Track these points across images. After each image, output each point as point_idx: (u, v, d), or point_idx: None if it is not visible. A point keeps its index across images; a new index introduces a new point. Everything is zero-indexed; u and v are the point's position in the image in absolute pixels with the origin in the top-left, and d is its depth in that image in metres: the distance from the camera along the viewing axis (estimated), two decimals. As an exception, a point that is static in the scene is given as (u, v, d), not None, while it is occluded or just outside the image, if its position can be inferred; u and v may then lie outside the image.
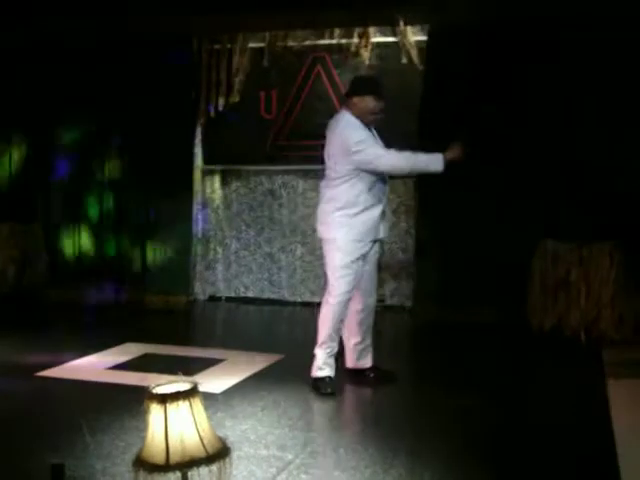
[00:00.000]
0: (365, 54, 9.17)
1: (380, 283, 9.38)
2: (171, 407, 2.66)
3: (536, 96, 8.26)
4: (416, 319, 8.82)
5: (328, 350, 6.08)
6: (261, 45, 9.51)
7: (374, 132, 6.20)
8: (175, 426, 2.65)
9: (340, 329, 6.15)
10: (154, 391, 2.75)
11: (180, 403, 2.67)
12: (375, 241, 6.21)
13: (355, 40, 9.28)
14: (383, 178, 6.20)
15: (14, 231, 9.87)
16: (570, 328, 7.81)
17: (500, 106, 8.36)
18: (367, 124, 6.09)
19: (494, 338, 7.93)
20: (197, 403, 2.74)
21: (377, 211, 6.13)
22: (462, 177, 8.42)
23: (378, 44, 9.25)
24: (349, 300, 6.10)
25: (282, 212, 9.71)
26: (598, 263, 7.81)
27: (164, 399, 2.69)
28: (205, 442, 2.68)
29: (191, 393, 2.74)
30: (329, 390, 5.98)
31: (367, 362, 6.39)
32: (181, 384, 2.80)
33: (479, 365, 7.00)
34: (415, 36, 8.99)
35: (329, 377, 6.08)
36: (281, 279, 9.77)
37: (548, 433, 5.17)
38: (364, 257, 6.10)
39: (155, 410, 2.70)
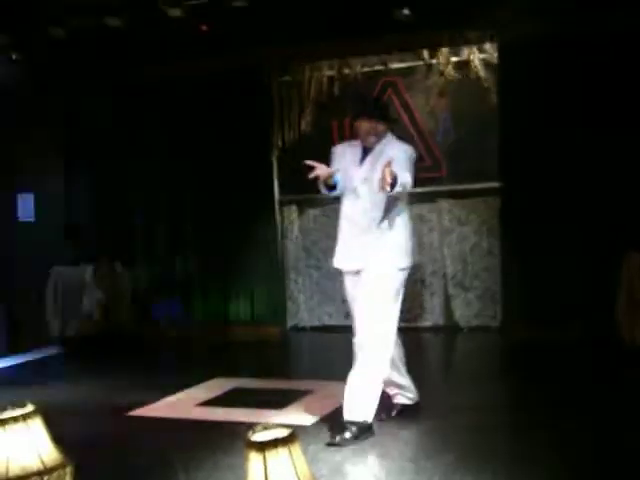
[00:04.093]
0: (445, 73, 9.14)
1: (463, 304, 9.37)
2: (270, 455, 2.64)
3: (615, 109, 8.19)
4: (505, 339, 8.72)
5: None
6: (331, 74, 9.55)
7: (372, 154, 5.73)
8: (275, 474, 2.63)
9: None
10: (252, 438, 2.73)
11: (279, 450, 2.65)
12: (355, 272, 5.71)
13: (423, 62, 9.30)
14: (354, 196, 5.71)
15: (97, 272, 10.00)
16: (661, 341, 7.65)
17: (578, 120, 8.31)
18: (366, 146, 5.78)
19: (585, 355, 7.82)
20: (296, 450, 2.70)
21: (347, 235, 5.77)
22: (546, 193, 8.40)
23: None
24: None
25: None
26: (686, 274, 7.65)
27: (263, 447, 2.67)
28: (307, 490, 2.66)
29: (290, 440, 2.71)
30: None
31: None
32: (279, 430, 2.78)
33: (573, 384, 6.89)
34: (485, 53, 8.97)
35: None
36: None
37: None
38: (349, 285, 5.82)
39: (254, 458, 2.67)
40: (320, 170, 5.59)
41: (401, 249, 5.70)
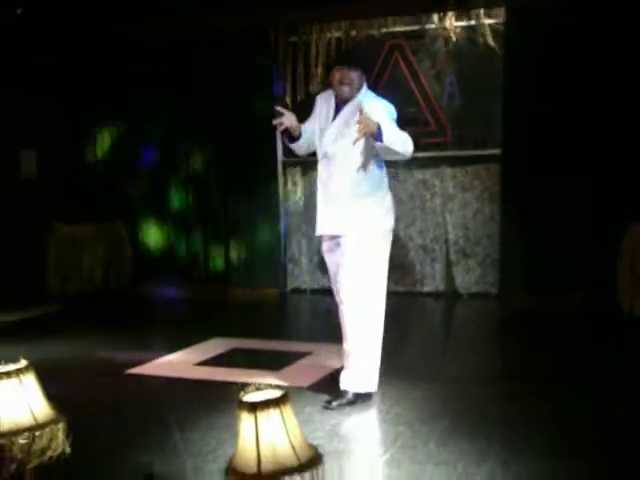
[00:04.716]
0: (452, 37, 9.05)
1: (464, 271, 9.37)
2: (262, 415, 2.63)
3: (621, 78, 8.14)
4: (503, 307, 8.72)
5: None
6: (338, 35, 9.46)
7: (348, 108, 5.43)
8: (266, 435, 2.62)
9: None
10: (244, 399, 2.73)
11: (271, 411, 2.64)
12: (331, 237, 5.56)
13: (433, 25, 9.20)
14: (326, 159, 5.51)
15: (98, 230, 10.01)
16: (661, 312, 7.65)
17: (583, 89, 8.27)
18: (341, 98, 5.47)
19: (584, 324, 7.86)
20: (288, 410, 2.70)
21: (320, 198, 5.56)
22: (547, 161, 8.37)
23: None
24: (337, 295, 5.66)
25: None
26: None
27: (254, 407, 2.66)
28: (297, 450, 2.64)
29: (282, 400, 2.70)
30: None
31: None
32: (271, 391, 2.77)
33: (570, 353, 6.90)
34: (492, 18, 8.88)
35: None
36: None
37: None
38: (325, 249, 5.69)
39: (246, 418, 2.67)
40: (287, 119, 5.46)
41: (379, 211, 5.46)
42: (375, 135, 5.05)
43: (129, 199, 10.29)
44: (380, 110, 5.28)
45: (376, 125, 5.03)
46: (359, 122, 5.00)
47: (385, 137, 5.06)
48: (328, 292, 5.64)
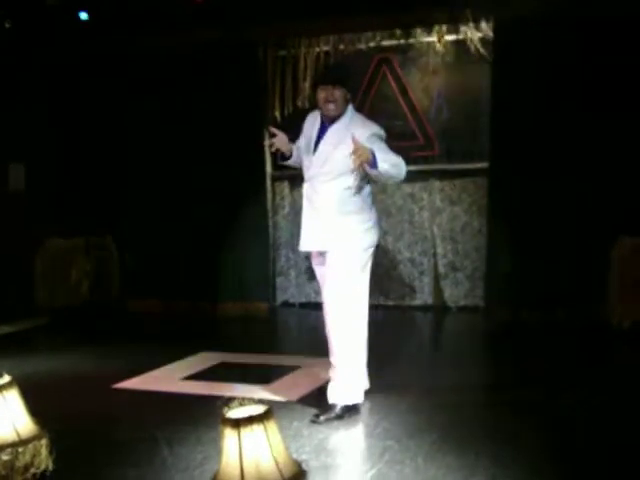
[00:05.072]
0: (439, 51, 9.09)
1: (453, 284, 9.38)
2: (245, 431, 2.62)
3: (609, 91, 8.16)
4: (491, 320, 8.71)
5: None
6: (326, 49, 9.48)
7: (334, 127, 5.46)
8: (250, 451, 2.61)
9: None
10: (227, 415, 2.71)
11: (254, 427, 2.63)
12: (319, 253, 5.61)
13: (421, 39, 9.23)
14: (312, 177, 5.50)
15: (87, 244, 9.98)
16: (651, 325, 7.67)
17: (571, 102, 8.28)
18: (327, 117, 5.50)
19: (572, 336, 7.85)
20: (272, 426, 2.69)
21: (305, 214, 5.58)
22: (535, 175, 8.39)
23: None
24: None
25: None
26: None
27: (238, 424, 2.65)
28: (281, 466, 2.63)
29: (265, 417, 2.69)
30: None
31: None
32: (255, 406, 2.75)
33: (559, 365, 6.89)
34: (481, 31, 8.89)
35: None
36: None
37: (633, 438, 5.03)
38: (315, 266, 5.75)
39: (229, 435, 2.66)
40: (278, 141, 5.58)
41: (363, 227, 5.46)
42: (370, 162, 5.08)
43: (118, 213, 10.25)
44: (371, 136, 5.29)
45: (370, 152, 5.07)
46: (354, 153, 5.02)
47: (380, 164, 5.10)
48: (315, 306, 5.60)
